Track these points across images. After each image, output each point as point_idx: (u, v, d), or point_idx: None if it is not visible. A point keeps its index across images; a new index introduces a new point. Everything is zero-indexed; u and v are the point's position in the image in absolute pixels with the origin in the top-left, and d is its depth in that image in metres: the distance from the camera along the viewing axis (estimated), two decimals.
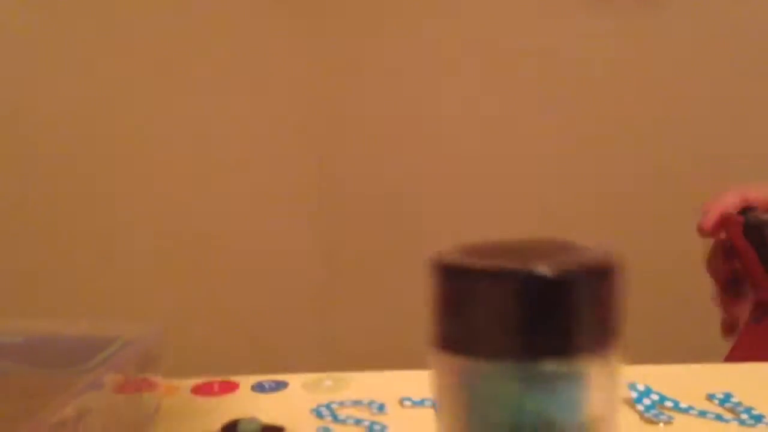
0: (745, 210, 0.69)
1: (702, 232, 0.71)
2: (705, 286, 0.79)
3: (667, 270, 0.75)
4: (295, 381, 0.55)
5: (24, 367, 0.44)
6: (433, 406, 0.50)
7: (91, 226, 0.77)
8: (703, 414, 0.48)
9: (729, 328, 0.72)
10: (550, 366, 0.26)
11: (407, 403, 0.51)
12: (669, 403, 0.50)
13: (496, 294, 0.26)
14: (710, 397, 0.51)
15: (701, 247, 0.77)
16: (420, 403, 0.51)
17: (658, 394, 0.51)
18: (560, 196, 0.77)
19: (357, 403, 0.51)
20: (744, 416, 0.48)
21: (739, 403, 0.50)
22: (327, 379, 0.55)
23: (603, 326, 0.27)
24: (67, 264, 0.77)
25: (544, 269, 0.26)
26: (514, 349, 0.26)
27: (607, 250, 0.28)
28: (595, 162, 0.77)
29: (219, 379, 0.56)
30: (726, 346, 0.77)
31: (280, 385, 0.55)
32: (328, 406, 0.50)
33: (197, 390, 0.54)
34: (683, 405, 0.49)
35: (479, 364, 0.27)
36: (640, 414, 0.48)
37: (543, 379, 0.26)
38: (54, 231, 0.77)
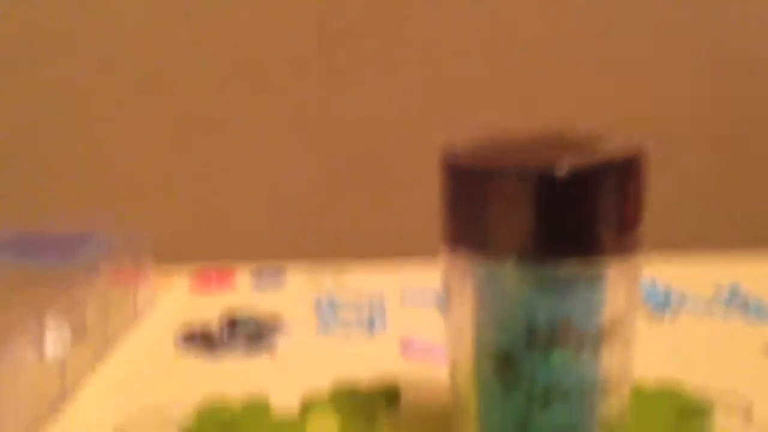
0: None
1: None
2: (712, 175, 0.77)
3: (670, 157, 0.73)
4: (295, 273, 0.54)
5: (15, 261, 0.43)
6: (439, 303, 0.49)
7: (84, 123, 0.75)
8: (710, 306, 0.47)
9: None
10: (567, 268, 0.24)
11: (409, 295, 0.50)
12: (675, 295, 0.49)
13: (511, 192, 0.24)
14: (717, 289, 0.50)
15: (709, 131, 0.75)
16: (422, 296, 0.50)
17: (663, 286, 0.50)
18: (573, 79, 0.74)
19: (357, 295, 0.50)
20: (752, 308, 0.47)
21: (747, 295, 0.49)
22: (327, 270, 0.54)
23: (624, 226, 0.25)
24: (59, 165, 0.75)
25: (561, 165, 0.23)
26: (529, 250, 0.24)
27: (631, 142, 0.25)
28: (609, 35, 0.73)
29: (217, 271, 0.55)
30: (734, 236, 0.76)
31: (280, 278, 0.54)
32: (328, 299, 0.49)
33: (195, 281, 0.53)
34: (690, 297, 0.49)
35: (493, 264, 0.25)
36: (645, 307, 0.47)
37: (560, 281, 0.25)
38: (44, 136, 0.75)
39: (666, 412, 0.33)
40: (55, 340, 0.35)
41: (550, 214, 0.24)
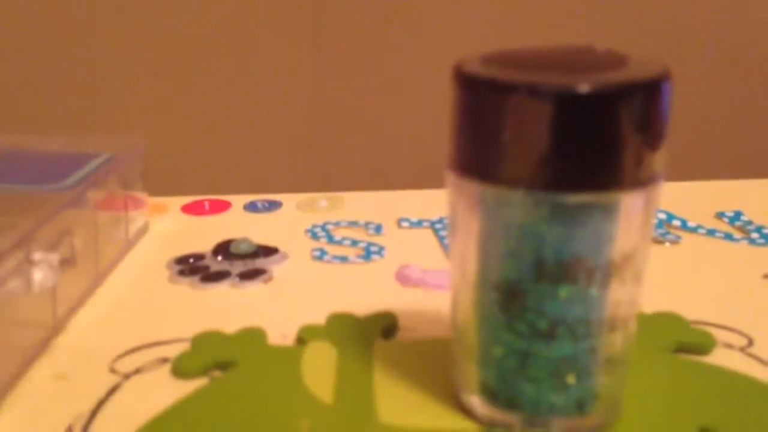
0: None
1: None
2: (718, 100, 0.75)
3: (677, 80, 0.72)
4: (289, 201, 0.53)
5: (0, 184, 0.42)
6: (433, 227, 0.48)
7: (73, 29, 0.73)
8: (711, 233, 0.47)
9: None
10: (581, 197, 0.23)
11: (405, 224, 0.49)
12: (676, 222, 0.48)
13: (525, 109, 0.22)
14: (719, 216, 0.49)
15: (717, 54, 0.73)
16: (418, 224, 0.49)
17: (665, 212, 0.49)
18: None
19: (353, 223, 0.49)
20: (754, 235, 0.46)
21: (749, 222, 0.48)
22: (322, 199, 0.53)
23: (642, 153, 0.23)
24: (46, 71, 0.73)
25: (578, 85, 0.22)
26: (541, 177, 0.23)
27: (658, 63, 0.24)
28: None
29: (210, 197, 0.54)
30: (737, 161, 0.75)
31: (274, 205, 0.53)
32: (323, 227, 0.48)
33: (187, 209, 0.52)
34: (691, 224, 0.48)
35: (501, 192, 0.24)
36: None
37: (572, 211, 0.23)
38: (32, 37, 0.73)
39: (665, 343, 0.33)
40: (43, 270, 0.34)
41: (567, 137, 0.22)
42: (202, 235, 0.47)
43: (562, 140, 0.22)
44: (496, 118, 0.23)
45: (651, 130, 0.23)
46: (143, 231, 0.48)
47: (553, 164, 0.22)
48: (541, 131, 0.22)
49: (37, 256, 0.34)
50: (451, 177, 0.25)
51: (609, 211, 0.23)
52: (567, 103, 0.22)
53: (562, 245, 0.24)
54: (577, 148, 0.22)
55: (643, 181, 0.24)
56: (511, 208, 0.24)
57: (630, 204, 0.24)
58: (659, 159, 0.24)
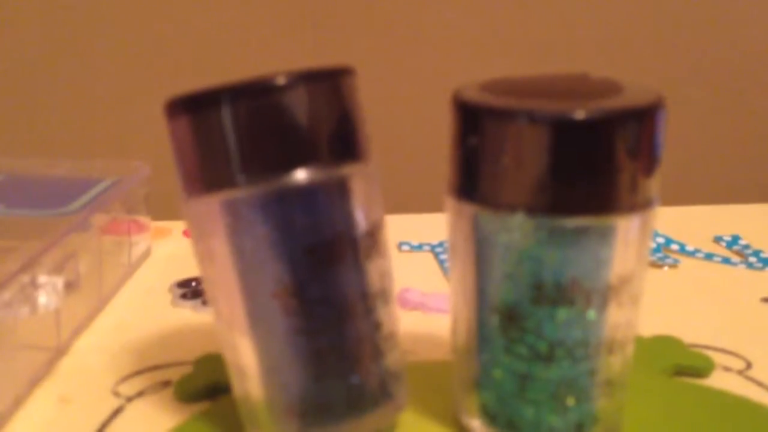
0: None
1: None
2: (715, 125, 0.76)
3: (671, 106, 0.72)
4: None
5: (4, 208, 0.42)
6: (433, 251, 0.49)
7: (76, 55, 0.73)
8: (709, 257, 0.47)
9: None
10: (577, 221, 0.24)
11: (405, 247, 0.49)
12: (675, 246, 0.48)
13: (520, 139, 0.23)
14: (717, 240, 0.50)
15: (714, 79, 0.74)
16: (418, 248, 0.49)
17: (663, 236, 0.49)
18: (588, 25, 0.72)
19: None
20: (752, 259, 0.47)
21: (747, 246, 0.48)
22: None
23: (637, 178, 0.24)
24: (50, 98, 0.74)
25: (574, 112, 0.22)
26: (539, 202, 0.23)
27: (652, 91, 0.24)
28: None
29: None
30: (735, 186, 0.75)
31: None
32: None
33: (190, 233, 0.53)
34: (689, 248, 0.48)
35: (500, 216, 0.24)
36: None
37: (569, 235, 0.24)
38: (37, 63, 0.73)
39: (664, 366, 0.33)
40: (48, 293, 0.34)
41: (564, 162, 0.23)
42: None
43: (559, 165, 0.23)
44: (493, 144, 0.24)
45: (645, 156, 0.24)
46: (146, 255, 0.48)
47: (550, 189, 0.23)
48: (539, 157, 0.23)
49: (42, 279, 0.34)
50: (450, 201, 0.26)
51: (605, 235, 0.24)
52: (563, 130, 0.23)
53: (559, 268, 0.24)
54: (573, 173, 0.23)
55: (638, 206, 0.24)
56: (509, 232, 0.24)
57: (626, 228, 0.24)
58: (654, 184, 0.24)
